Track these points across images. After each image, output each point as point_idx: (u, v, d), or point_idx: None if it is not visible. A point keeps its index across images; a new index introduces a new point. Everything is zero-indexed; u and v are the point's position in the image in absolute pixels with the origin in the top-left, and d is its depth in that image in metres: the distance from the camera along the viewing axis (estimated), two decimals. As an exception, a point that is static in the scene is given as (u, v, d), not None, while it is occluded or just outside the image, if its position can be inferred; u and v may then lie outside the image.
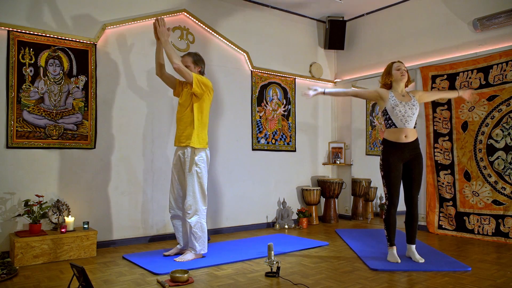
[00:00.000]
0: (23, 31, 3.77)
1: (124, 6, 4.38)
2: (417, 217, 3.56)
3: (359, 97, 3.95)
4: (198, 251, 3.57)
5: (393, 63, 3.65)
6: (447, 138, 4.88)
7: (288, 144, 5.75)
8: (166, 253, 3.72)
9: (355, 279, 3.04)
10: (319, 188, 5.74)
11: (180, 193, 3.69)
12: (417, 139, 3.54)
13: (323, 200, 5.99)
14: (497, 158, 4.46)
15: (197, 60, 3.68)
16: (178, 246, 3.76)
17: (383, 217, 3.58)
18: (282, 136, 5.68)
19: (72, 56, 4.04)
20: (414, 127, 3.54)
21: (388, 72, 3.62)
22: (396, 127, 3.49)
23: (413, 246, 3.55)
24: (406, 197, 3.57)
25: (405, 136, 3.47)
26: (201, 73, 3.70)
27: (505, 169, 4.39)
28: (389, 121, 3.53)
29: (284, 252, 3.90)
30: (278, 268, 3.10)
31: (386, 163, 3.51)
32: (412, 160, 3.51)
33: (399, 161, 3.50)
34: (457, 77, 4.80)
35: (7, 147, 3.69)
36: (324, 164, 6.19)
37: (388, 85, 3.64)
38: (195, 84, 3.48)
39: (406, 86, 3.66)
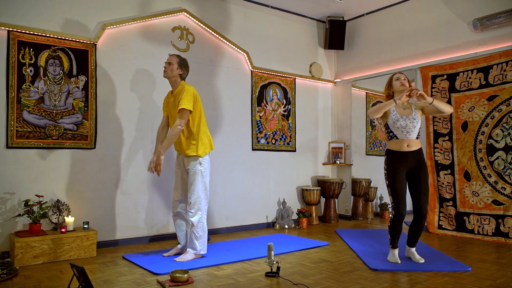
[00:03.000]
0: (23, 31, 3.77)
1: (124, 6, 4.38)
2: (424, 225, 3.51)
3: (377, 113, 3.50)
4: (198, 251, 3.57)
5: (393, 74, 3.61)
6: (447, 138, 4.88)
7: (288, 144, 5.75)
8: (166, 254, 3.72)
9: (355, 279, 3.04)
10: (319, 188, 5.74)
11: (184, 191, 3.70)
12: (420, 149, 3.52)
13: (323, 200, 5.99)
14: (497, 158, 4.46)
15: (182, 64, 3.65)
16: (178, 246, 3.76)
17: (389, 224, 3.53)
18: (282, 136, 5.68)
19: (72, 56, 4.04)
20: (417, 138, 3.52)
21: (389, 83, 3.61)
22: (397, 138, 3.49)
23: (413, 248, 3.55)
24: (415, 207, 3.49)
25: (407, 145, 3.46)
26: (182, 77, 3.68)
27: (505, 169, 4.39)
28: (391, 134, 3.54)
29: (284, 252, 3.90)
30: (278, 268, 3.10)
31: (391, 171, 3.47)
32: (416, 168, 3.47)
33: (403, 168, 3.46)
34: (457, 77, 4.80)
35: (7, 147, 3.69)
36: (324, 164, 6.19)
37: (390, 96, 3.59)
38: (184, 112, 3.47)
39: (409, 97, 3.47)
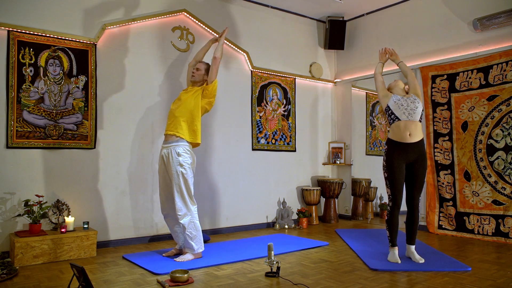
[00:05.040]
0: (23, 31, 3.77)
1: (124, 6, 4.38)
2: (418, 218, 3.56)
3: (377, 82, 3.81)
4: (196, 250, 3.57)
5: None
6: (447, 138, 4.88)
7: (288, 144, 5.75)
8: (166, 254, 3.72)
9: (355, 279, 3.04)
10: (319, 188, 5.74)
11: (168, 193, 3.68)
12: (422, 140, 3.53)
13: (323, 200, 5.99)
14: (497, 158, 4.46)
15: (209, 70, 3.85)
16: (177, 246, 3.76)
17: (386, 218, 3.57)
18: (282, 136, 5.68)
19: (72, 56, 4.04)
20: (420, 121, 3.53)
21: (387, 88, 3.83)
22: (399, 120, 3.49)
23: (413, 247, 3.56)
24: (408, 198, 3.57)
25: (409, 135, 3.46)
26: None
27: (505, 169, 4.39)
28: (392, 116, 3.55)
29: (284, 252, 3.91)
30: (278, 268, 3.10)
31: (390, 165, 3.49)
32: (416, 162, 3.50)
33: (403, 162, 3.49)
34: (457, 77, 4.80)
35: (7, 147, 3.69)
36: (324, 164, 6.19)
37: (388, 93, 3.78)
38: (213, 83, 3.73)
39: (407, 92, 3.73)
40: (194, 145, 3.72)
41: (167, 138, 3.66)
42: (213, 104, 3.87)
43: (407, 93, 3.70)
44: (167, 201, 3.69)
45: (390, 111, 3.56)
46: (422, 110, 3.58)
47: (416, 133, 3.48)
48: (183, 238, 3.68)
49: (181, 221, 3.52)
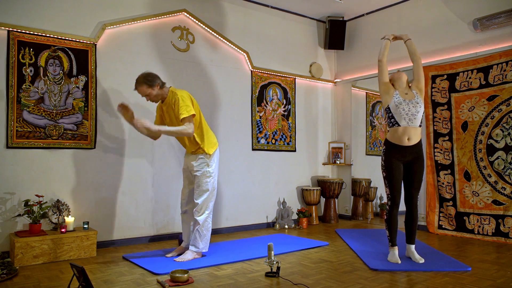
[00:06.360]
0: (23, 31, 3.77)
1: (124, 6, 4.38)
2: (417, 217, 3.57)
3: (380, 69, 3.67)
4: (200, 249, 3.58)
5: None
6: (447, 138, 4.88)
7: (288, 144, 5.75)
8: (169, 255, 3.70)
9: (355, 279, 3.04)
10: (319, 188, 5.74)
11: (192, 193, 3.72)
12: (420, 142, 3.52)
13: (323, 200, 5.99)
14: (497, 158, 4.46)
15: (150, 81, 3.43)
16: (182, 244, 3.77)
17: (385, 217, 3.58)
18: (282, 136, 5.68)
19: (72, 56, 4.04)
20: (420, 126, 3.51)
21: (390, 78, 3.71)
22: (399, 125, 3.48)
23: (413, 246, 3.55)
24: (406, 197, 3.57)
25: (408, 139, 3.45)
26: (162, 86, 3.50)
27: (505, 169, 4.39)
28: (392, 120, 3.51)
29: (284, 252, 3.90)
30: (278, 268, 3.10)
31: (388, 165, 3.50)
32: (414, 162, 3.50)
33: (400, 162, 3.50)
34: (457, 77, 4.80)
35: (7, 147, 3.69)
36: (324, 164, 6.19)
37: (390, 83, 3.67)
38: (183, 112, 3.38)
39: (409, 86, 3.65)
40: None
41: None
42: (195, 102, 3.59)
43: (410, 87, 3.63)
44: (188, 199, 3.74)
45: (390, 114, 3.53)
46: (423, 113, 3.56)
47: (414, 138, 3.48)
48: (192, 237, 3.69)
49: (198, 218, 3.56)
